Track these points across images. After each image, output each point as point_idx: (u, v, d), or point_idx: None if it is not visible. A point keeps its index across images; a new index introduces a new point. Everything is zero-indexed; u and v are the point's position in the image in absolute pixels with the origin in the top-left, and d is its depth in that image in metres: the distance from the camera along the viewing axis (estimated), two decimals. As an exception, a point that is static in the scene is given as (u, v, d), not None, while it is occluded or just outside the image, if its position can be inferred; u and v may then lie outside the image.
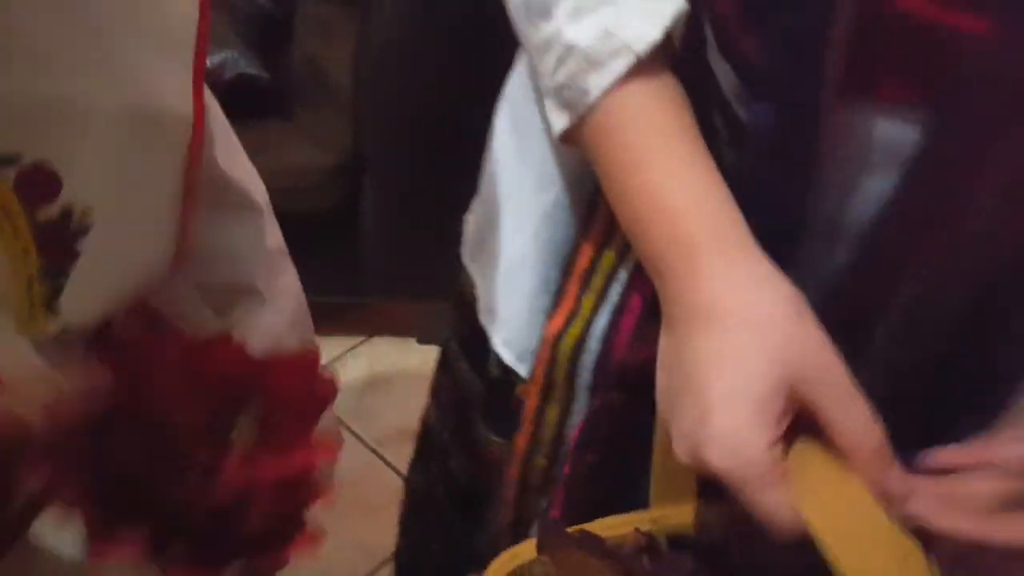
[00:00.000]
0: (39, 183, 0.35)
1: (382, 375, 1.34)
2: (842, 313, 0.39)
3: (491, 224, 0.54)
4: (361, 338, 1.38)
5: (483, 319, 0.54)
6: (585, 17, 0.38)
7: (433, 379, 0.63)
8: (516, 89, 0.53)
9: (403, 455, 1.01)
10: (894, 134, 0.37)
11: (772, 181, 0.39)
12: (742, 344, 0.35)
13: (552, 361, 0.48)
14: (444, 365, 0.61)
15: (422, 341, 1.38)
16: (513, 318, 0.52)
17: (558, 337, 0.47)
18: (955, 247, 0.38)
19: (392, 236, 1.25)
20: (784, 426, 0.34)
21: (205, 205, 0.45)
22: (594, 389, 0.48)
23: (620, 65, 0.38)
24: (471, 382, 0.56)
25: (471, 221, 0.59)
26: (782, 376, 0.34)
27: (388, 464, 1.24)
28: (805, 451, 0.36)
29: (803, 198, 0.38)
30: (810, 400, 0.35)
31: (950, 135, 0.36)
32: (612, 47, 0.38)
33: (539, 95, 0.43)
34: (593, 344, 0.47)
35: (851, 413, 0.35)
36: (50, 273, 0.37)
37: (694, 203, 0.38)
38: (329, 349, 1.33)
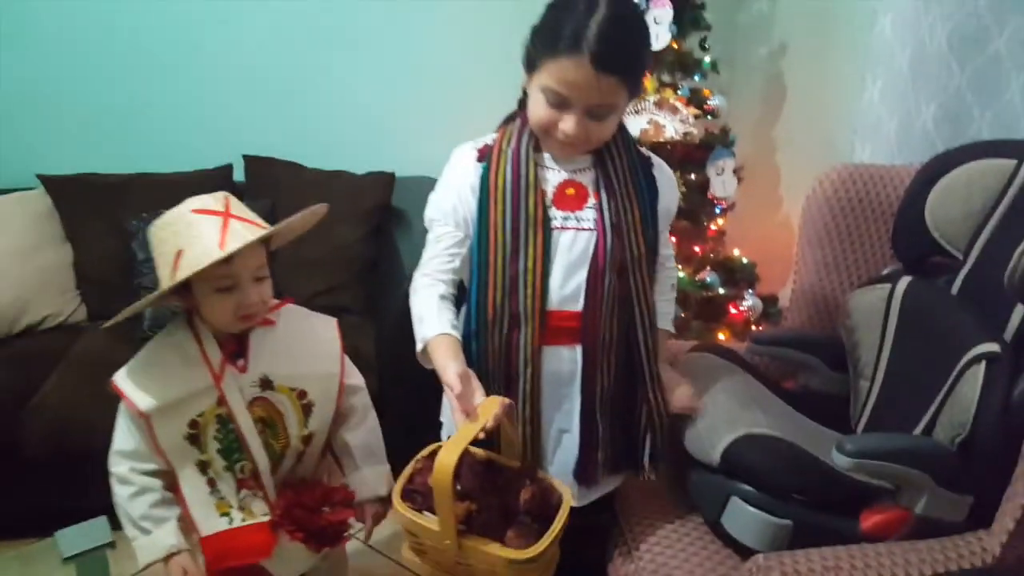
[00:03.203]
0: (302, 394, 1.46)
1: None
2: None
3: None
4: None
5: None
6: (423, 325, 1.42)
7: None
8: None
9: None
10: None
11: None
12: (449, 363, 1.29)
13: None
14: None
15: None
16: None
17: None
18: None
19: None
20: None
21: (346, 395, 1.53)
22: None
23: (431, 334, 1.37)
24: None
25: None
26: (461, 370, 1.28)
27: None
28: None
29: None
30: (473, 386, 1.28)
31: None
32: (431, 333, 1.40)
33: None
34: None
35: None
36: (305, 414, 1.46)
37: (443, 355, 1.32)
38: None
